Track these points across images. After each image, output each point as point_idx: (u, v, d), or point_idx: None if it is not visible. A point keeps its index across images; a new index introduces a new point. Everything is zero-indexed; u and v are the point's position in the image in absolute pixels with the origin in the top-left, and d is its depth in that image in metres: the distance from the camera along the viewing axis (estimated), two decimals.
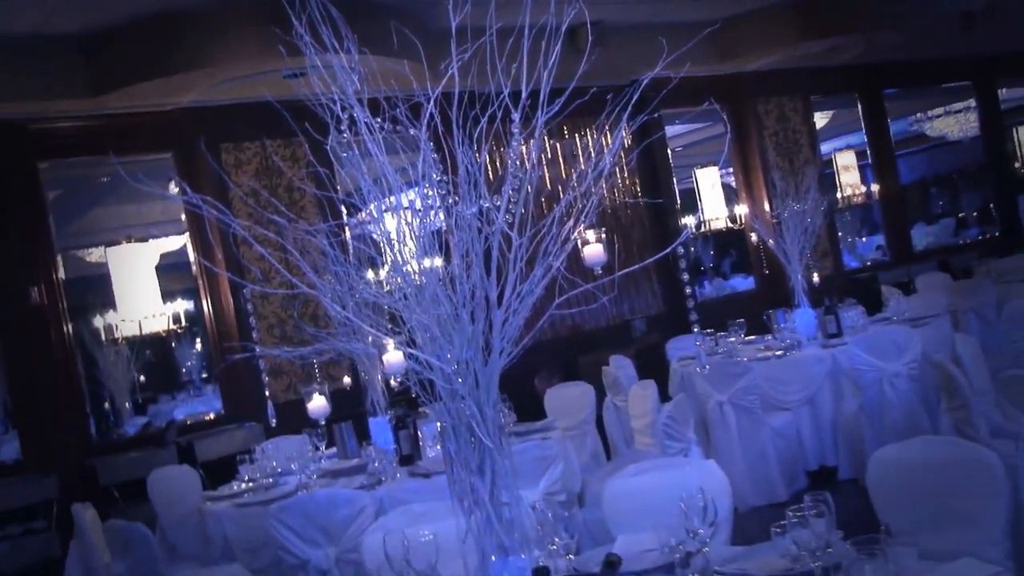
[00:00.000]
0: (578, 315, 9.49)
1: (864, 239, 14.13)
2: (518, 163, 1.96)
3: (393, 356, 4.47)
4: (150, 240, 7.99)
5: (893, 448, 2.89)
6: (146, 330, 7.50)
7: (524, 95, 1.93)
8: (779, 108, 11.33)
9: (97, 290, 7.91)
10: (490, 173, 2.00)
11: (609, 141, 2.02)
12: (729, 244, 12.66)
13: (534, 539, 2.42)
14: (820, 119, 12.15)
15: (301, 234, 2.18)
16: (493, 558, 2.06)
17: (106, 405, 8.29)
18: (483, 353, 1.98)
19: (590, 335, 9.54)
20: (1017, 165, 14.01)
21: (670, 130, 10.83)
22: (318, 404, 5.32)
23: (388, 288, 2.11)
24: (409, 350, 2.01)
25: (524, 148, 2.00)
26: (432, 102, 2.01)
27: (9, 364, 7.15)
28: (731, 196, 11.11)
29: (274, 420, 7.57)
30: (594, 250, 5.24)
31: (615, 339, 9.39)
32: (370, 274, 2.16)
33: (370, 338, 2.51)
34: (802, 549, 2.16)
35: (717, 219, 10.43)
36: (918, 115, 15.28)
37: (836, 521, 2.22)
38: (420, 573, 2.57)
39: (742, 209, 10.70)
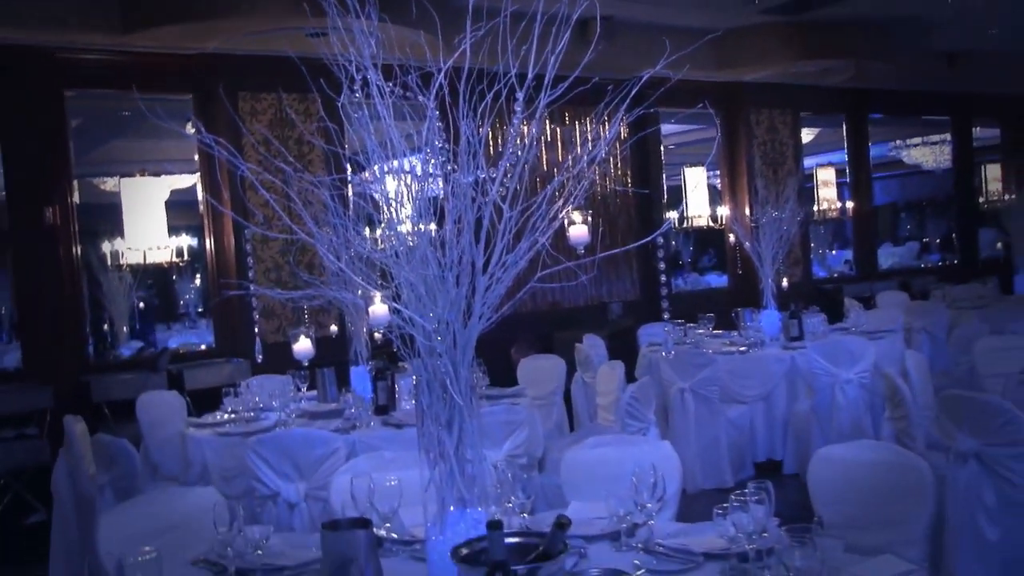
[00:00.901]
0: (558, 293, 9.50)
1: (834, 252, 14.17)
2: (517, 140, 1.95)
3: (379, 309, 4.46)
4: (163, 176, 7.93)
5: (836, 448, 2.92)
6: (150, 260, 7.47)
7: (530, 77, 1.92)
8: (770, 120, 11.32)
9: (108, 218, 7.85)
10: (491, 149, 1.99)
11: (606, 130, 2.01)
12: (708, 242, 12.67)
13: (492, 496, 2.43)
14: (807, 135, 12.16)
15: (306, 185, 2.16)
16: (452, 508, 2.07)
17: (105, 327, 8.25)
18: (464, 316, 1.98)
19: (568, 313, 9.56)
20: (981, 200, 14.09)
21: (665, 128, 10.81)
22: (303, 346, 5.34)
23: (382, 245, 2.10)
24: (395, 305, 2.01)
25: (525, 127, 1.99)
26: (442, 73, 1.99)
27: (18, 279, 7.14)
28: (715, 197, 11.12)
29: (260, 356, 7.59)
30: (579, 231, 5.24)
31: (591, 319, 9.40)
32: (367, 231, 2.14)
33: (359, 290, 2.50)
34: (740, 532, 2.18)
35: (700, 217, 10.45)
36: (897, 142, 15.32)
37: (774, 510, 2.24)
38: (382, 515, 2.58)
39: (724, 210, 10.72)
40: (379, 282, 2.10)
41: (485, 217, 1.93)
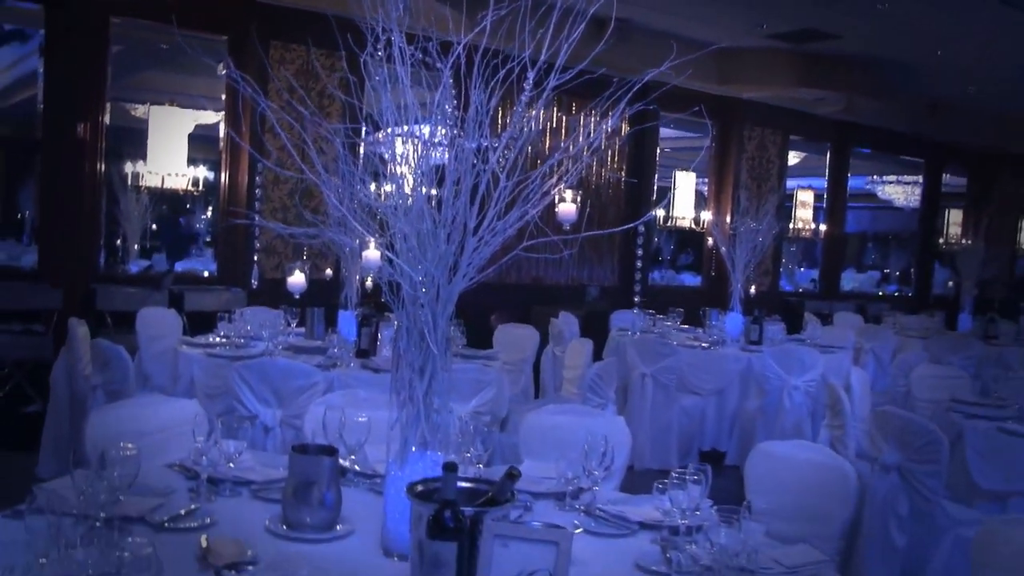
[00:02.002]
0: (542, 269, 9.50)
1: (802, 269, 14.24)
2: (523, 118, 1.94)
3: (372, 254, 4.46)
4: (190, 109, 7.86)
5: (776, 444, 2.94)
6: (167, 185, 7.43)
7: (542, 59, 1.90)
8: (760, 137, 11.31)
9: (134, 141, 7.79)
10: (498, 127, 1.98)
11: (608, 119, 2.00)
12: (688, 243, 12.70)
13: (453, 444, 2.44)
14: (793, 157, 12.17)
15: (321, 131, 2.14)
16: (413, 449, 2.08)
17: (118, 242, 8.21)
18: (449, 272, 1.97)
19: (549, 289, 9.57)
20: (941, 241, 14.20)
21: (663, 132, 10.79)
22: (297, 279, 5.36)
23: (384, 197, 2.09)
24: (388, 254, 2.00)
25: (531, 109, 1.97)
26: (462, 45, 1.98)
27: (43, 186, 7.11)
28: (700, 202, 11.13)
29: (256, 283, 7.61)
30: (568, 208, 5.23)
31: (569, 298, 9.43)
32: (372, 187, 2.13)
33: (357, 240, 2.49)
34: (675, 506, 2.19)
35: (683, 219, 10.46)
36: (874, 177, 15.38)
37: (709, 492, 2.26)
38: (349, 447, 2.59)
39: (707, 215, 10.73)
40: (376, 230, 2.08)
41: (482, 183, 1.92)
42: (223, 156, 7.73)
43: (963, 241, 13.64)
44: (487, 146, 1.91)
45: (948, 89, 11.44)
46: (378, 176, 2.16)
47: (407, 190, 2.01)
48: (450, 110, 1.96)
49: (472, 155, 1.90)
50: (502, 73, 1.93)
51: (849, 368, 5.86)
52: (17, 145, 9.13)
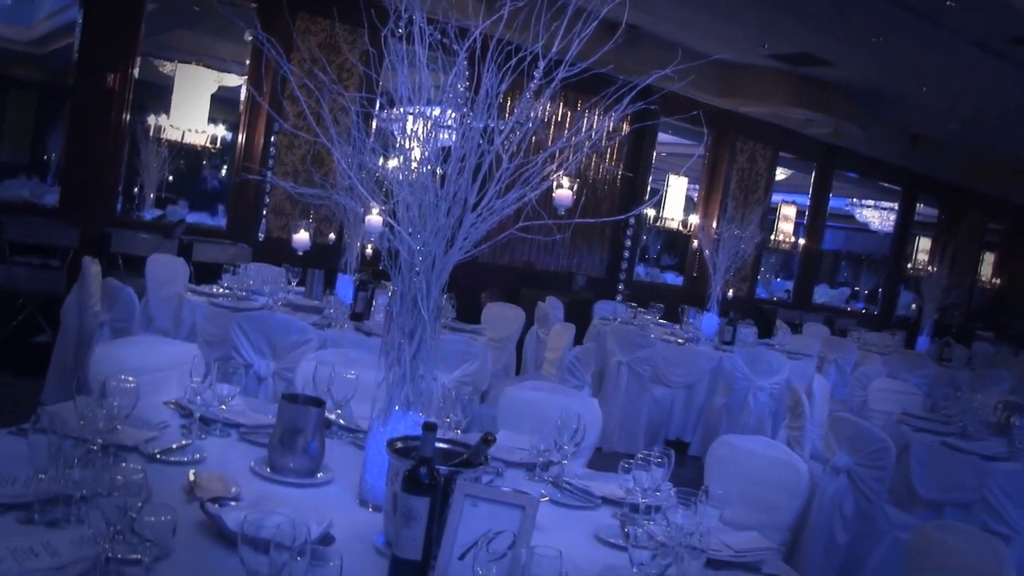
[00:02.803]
0: (534, 254, 9.49)
1: (778, 279, 14.28)
2: (530, 103, 1.92)
3: (375, 219, 4.43)
4: (215, 71, 7.79)
5: (738, 437, 2.95)
6: (187, 140, 7.37)
7: (553, 50, 1.89)
8: (752, 151, 11.30)
9: (159, 96, 7.73)
10: (506, 115, 1.96)
11: (610, 114, 1.99)
12: (674, 243, 12.70)
13: (435, 408, 2.43)
14: (780, 173, 12.17)
15: (339, 100, 2.12)
16: (397, 408, 2.07)
17: (135, 190, 8.15)
18: (446, 244, 1.96)
19: (539, 274, 9.56)
20: (909, 266, 14.28)
21: (661, 137, 10.77)
22: (302, 237, 5.36)
23: (391, 167, 2.07)
24: (390, 220, 1.99)
25: (539, 94, 1.96)
26: (478, 31, 1.96)
27: (71, 130, 7.06)
28: (690, 206, 11.12)
29: (262, 235, 7.60)
30: (564, 193, 5.20)
31: (557, 284, 9.42)
32: (381, 160, 2.11)
33: (362, 208, 2.47)
34: (637, 486, 2.20)
35: (672, 220, 10.46)
36: (854, 200, 15.41)
37: (671, 477, 2.27)
38: (336, 401, 2.59)
39: (695, 219, 10.73)
40: (381, 198, 2.07)
41: (485, 163, 1.91)
42: (242, 117, 7.68)
43: (929, 268, 13.70)
44: (493, 128, 1.90)
45: (930, 124, 11.47)
46: (387, 149, 2.14)
47: (414, 164, 1.99)
48: (462, 89, 1.94)
49: (479, 135, 1.89)
50: (514, 60, 1.91)
51: (812, 375, 5.88)
52: (50, 90, 9.04)
